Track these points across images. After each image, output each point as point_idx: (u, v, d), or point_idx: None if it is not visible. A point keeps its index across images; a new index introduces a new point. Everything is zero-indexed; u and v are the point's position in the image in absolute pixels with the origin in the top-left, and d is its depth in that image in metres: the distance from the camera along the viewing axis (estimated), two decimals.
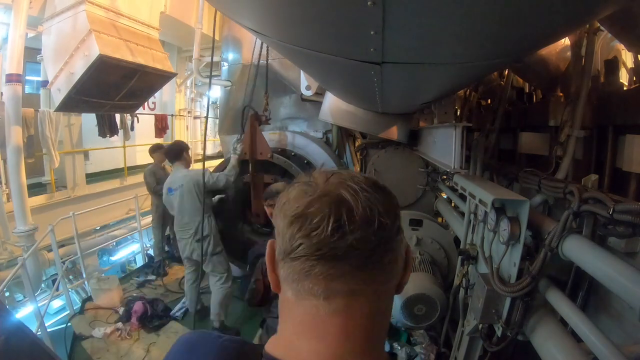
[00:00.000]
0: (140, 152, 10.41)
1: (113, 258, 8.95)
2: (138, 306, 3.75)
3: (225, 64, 5.00)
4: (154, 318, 3.74)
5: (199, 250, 3.51)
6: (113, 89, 5.52)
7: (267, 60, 4.09)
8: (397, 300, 3.00)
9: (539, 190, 2.35)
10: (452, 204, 3.97)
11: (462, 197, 2.63)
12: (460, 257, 2.49)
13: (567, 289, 1.96)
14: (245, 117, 3.88)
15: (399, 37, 1.04)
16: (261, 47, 3.95)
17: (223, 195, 4.29)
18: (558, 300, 1.54)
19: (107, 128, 7.63)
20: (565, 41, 3.42)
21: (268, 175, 3.92)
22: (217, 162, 6.03)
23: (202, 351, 0.62)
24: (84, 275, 5.08)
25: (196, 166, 12.34)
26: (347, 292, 0.54)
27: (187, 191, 3.53)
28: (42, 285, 6.10)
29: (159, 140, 10.33)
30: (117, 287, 4.32)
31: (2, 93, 5.51)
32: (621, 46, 3.36)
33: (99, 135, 7.56)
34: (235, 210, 4.29)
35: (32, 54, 6.02)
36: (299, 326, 0.56)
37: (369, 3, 0.80)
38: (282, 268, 0.57)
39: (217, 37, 7.87)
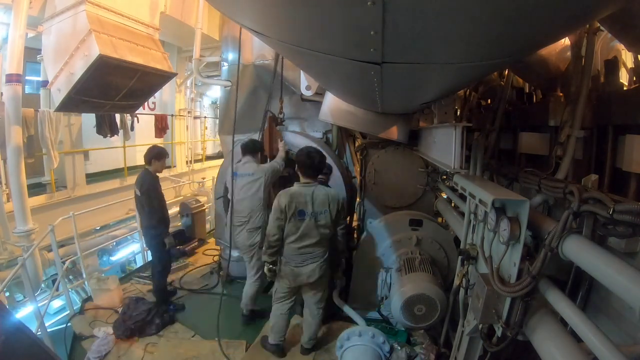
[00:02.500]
0: (140, 152, 10.39)
1: (113, 258, 8.94)
2: (137, 321, 3.65)
3: (225, 64, 5.00)
4: (154, 325, 3.71)
5: (246, 240, 3.61)
6: (113, 89, 5.52)
7: (282, 68, 4.15)
8: (397, 301, 3.01)
9: (539, 190, 2.36)
10: (452, 204, 3.97)
11: (462, 197, 2.63)
12: (460, 257, 2.48)
13: (567, 289, 1.97)
14: (264, 119, 4.15)
15: (399, 37, 1.04)
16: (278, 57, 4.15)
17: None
18: (558, 300, 1.54)
19: (107, 128, 7.64)
20: (565, 41, 3.42)
21: (284, 168, 4.03)
22: (217, 162, 6.04)
23: None
24: (84, 275, 5.07)
25: (196, 166, 12.31)
26: None
27: (254, 180, 3.59)
28: (42, 285, 6.10)
29: (158, 141, 10.34)
30: (117, 287, 4.32)
31: (2, 93, 5.51)
32: (621, 46, 3.36)
33: (98, 133, 7.56)
34: None
35: (32, 54, 6.02)
36: None
37: (369, 3, 0.80)
38: None
39: (216, 37, 7.90)
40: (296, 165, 3.02)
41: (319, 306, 3.23)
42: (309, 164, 2.91)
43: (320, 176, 3.24)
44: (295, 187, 2.93)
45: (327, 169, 3.84)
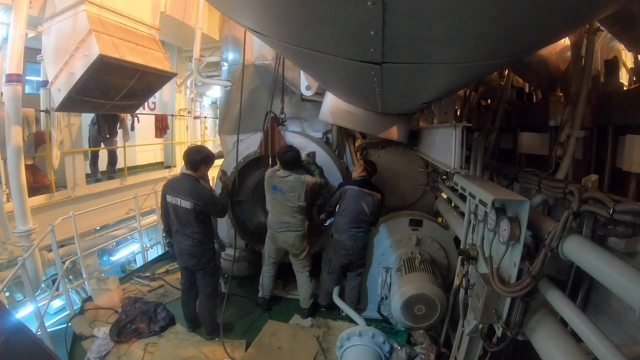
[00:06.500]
0: (140, 152, 10.40)
1: (113, 258, 8.94)
2: (137, 322, 3.65)
3: (225, 64, 5.00)
4: (154, 325, 3.69)
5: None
6: (113, 89, 5.52)
7: (282, 69, 4.15)
8: (397, 301, 3.01)
9: (539, 190, 2.36)
10: (452, 204, 3.97)
11: (462, 197, 2.63)
12: (460, 257, 2.49)
13: (567, 289, 1.97)
14: (266, 120, 4.19)
15: (399, 37, 1.04)
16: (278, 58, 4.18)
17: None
18: (558, 300, 1.54)
19: (106, 130, 7.69)
20: (565, 41, 3.42)
21: None
22: (217, 162, 6.05)
23: None
24: (84, 275, 5.07)
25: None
26: None
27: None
28: (42, 285, 6.09)
29: (158, 141, 10.34)
30: (117, 287, 4.31)
31: (2, 93, 5.50)
32: (621, 46, 3.36)
33: (97, 133, 7.63)
34: (254, 199, 4.52)
35: (32, 54, 6.01)
36: None
37: (369, 3, 0.80)
38: None
39: (216, 37, 7.89)
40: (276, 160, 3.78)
41: (303, 272, 3.92)
42: (280, 160, 3.71)
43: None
44: (280, 170, 3.71)
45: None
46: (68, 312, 4.16)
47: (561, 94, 3.48)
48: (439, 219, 4.18)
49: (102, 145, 7.98)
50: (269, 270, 4.04)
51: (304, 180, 3.63)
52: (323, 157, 4.19)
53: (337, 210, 3.72)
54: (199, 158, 3.24)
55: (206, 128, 15.96)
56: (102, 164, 8.30)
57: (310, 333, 3.63)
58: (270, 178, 3.72)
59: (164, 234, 3.72)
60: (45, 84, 6.03)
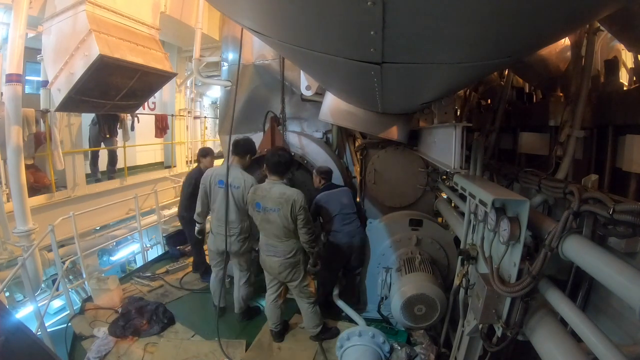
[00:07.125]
0: (140, 152, 10.40)
1: (113, 258, 8.93)
2: (137, 321, 3.67)
3: (225, 64, 5.00)
4: (154, 325, 3.70)
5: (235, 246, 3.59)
6: (113, 89, 5.52)
7: (282, 70, 4.17)
8: (397, 301, 3.01)
9: (539, 190, 2.36)
10: (452, 204, 3.97)
11: (462, 197, 2.63)
12: (460, 257, 2.48)
13: (567, 289, 1.97)
14: (266, 119, 4.20)
15: (399, 37, 1.04)
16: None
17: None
18: (558, 300, 1.54)
19: (106, 130, 7.70)
20: (565, 41, 3.43)
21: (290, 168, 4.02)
22: (217, 162, 6.05)
23: None
24: (84, 275, 5.07)
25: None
26: None
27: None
28: (42, 285, 6.09)
29: (158, 141, 10.34)
30: (117, 287, 4.31)
31: (2, 93, 5.51)
32: (621, 46, 3.36)
33: (97, 134, 7.65)
34: None
35: (32, 54, 6.01)
36: None
37: (369, 3, 0.80)
38: None
39: (216, 37, 7.90)
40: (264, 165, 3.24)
41: (304, 301, 3.39)
42: (268, 163, 3.15)
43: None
44: (264, 183, 3.21)
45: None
46: (68, 312, 4.16)
47: (561, 94, 3.48)
48: (439, 219, 4.17)
49: (102, 145, 7.98)
50: (270, 296, 3.44)
51: (289, 198, 2.98)
52: (323, 157, 4.19)
53: (322, 220, 3.76)
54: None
55: (206, 128, 15.95)
56: (102, 164, 8.31)
57: (310, 333, 3.63)
58: (253, 194, 3.16)
59: None
60: (45, 84, 6.04)
